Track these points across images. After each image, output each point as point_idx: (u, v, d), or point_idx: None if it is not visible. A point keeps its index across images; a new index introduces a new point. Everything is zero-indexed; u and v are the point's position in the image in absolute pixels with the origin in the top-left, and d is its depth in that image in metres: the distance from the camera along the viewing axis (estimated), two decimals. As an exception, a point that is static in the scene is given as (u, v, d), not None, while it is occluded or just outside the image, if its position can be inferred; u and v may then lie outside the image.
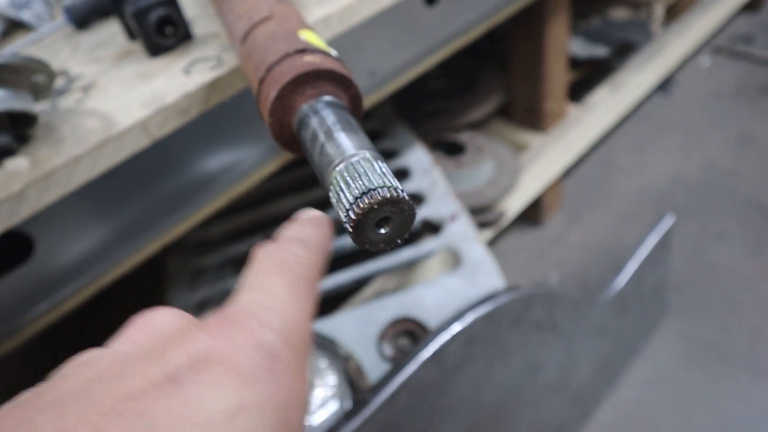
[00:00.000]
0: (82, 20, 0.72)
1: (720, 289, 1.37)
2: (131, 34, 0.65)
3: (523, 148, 1.42)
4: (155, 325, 0.23)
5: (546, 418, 1.05)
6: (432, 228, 1.08)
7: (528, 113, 1.43)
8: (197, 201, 0.76)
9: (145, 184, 0.72)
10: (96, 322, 1.32)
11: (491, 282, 0.94)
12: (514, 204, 1.30)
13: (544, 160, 1.37)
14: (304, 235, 0.29)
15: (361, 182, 0.30)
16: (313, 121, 0.36)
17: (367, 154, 0.32)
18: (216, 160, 0.77)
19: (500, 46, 1.56)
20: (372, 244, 0.31)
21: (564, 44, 1.34)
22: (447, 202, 1.08)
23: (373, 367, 0.86)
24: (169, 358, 0.20)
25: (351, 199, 0.30)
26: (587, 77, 1.71)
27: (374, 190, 0.29)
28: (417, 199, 1.12)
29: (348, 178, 0.31)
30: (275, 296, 0.24)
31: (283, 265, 0.26)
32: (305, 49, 0.40)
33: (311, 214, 0.32)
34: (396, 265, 1.01)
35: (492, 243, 1.53)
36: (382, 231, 0.31)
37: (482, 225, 1.23)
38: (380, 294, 1.10)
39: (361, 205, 0.29)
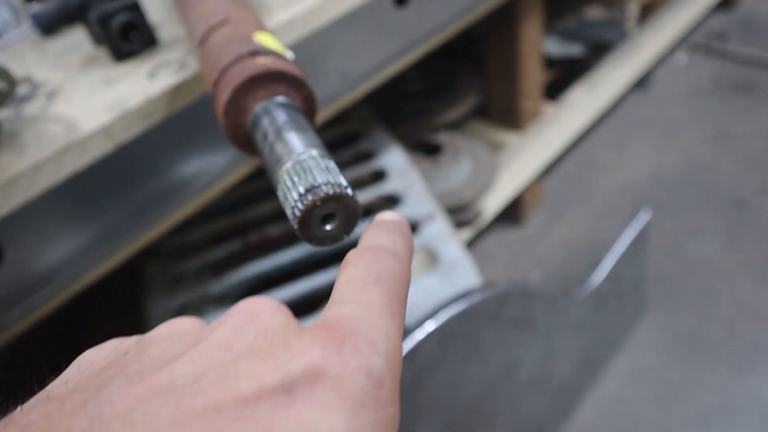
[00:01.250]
0: (48, 27, 0.72)
1: (698, 283, 1.39)
2: (97, 40, 0.65)
3: (500, 148, 1.43)
4: (264, 320, 0.22)
5: (526, 415, 1.05)
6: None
7: (505, 112, 1.44)
8: (170, 205, 0.76)
9: (116, 188, 0.72)
10: (75, 330, 1.32)
11: (468, 281, 0.95)
12: (492, 203, 1.31)
13: (522, 159, 1.38)
14: (395, 245, 0.28)
15: (305, 179, 0.31)
16: (265, 122, 0.37)
17: (314, 152, 0.33)
18: (188, 164, 0.77)
19: (477, 46, 1.58)
20: (318, 240, 0.32)
21: (538, 43, 1.36)
22: (423, 203, 1.09)
23: (351, 368, 0.86)
24: (284, 365, 0.20)
25: (296, 196, 0.30)
26: (563, 76, 1.72)
27: (318, 186, 0.30)
28: (394, 200, 1.13)
29: (294, 176, 0.31)
30: (376, 313, 0.23)
31: (380, 278, 0.25)
32: (258, 51, 0.40)
33: (394, 217, 0.30)
34: (374, 265, 1.02)
35: (473, 242, 1.53)
36: (328, 227, 0.31)
37: (460, 224, 1.24)
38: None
39: (305, 202, 0.30)
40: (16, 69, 0.66)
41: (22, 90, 0.61)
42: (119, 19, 0.60)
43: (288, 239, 1.14)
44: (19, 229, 0.65)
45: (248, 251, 1.13)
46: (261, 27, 0.47)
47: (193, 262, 1.11)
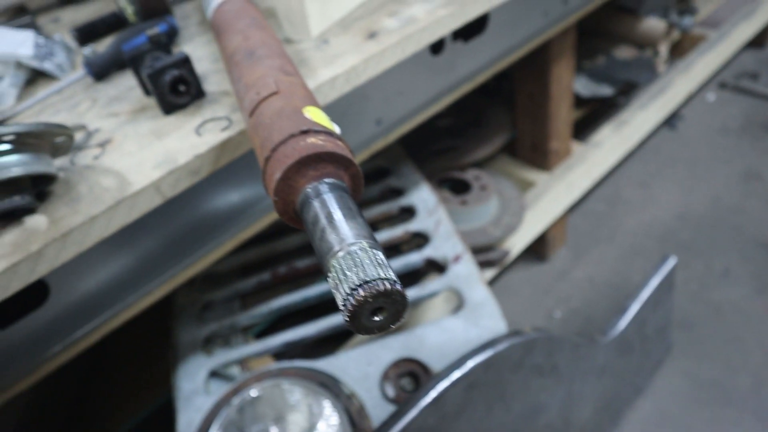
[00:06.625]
0: (100, 73, 0.76)
1: (725, 328, 1.37)
2: (146, 91, 0.68)
3: (528, 186, 1.44)
4: None
5: (547, 460, 1.05)
6: (437, 267, 1.10)
7: (533, 152, 1.45)
8: (209, 246, 0.79)
9: (158, 228, 0.74)
10: (105, 354, 1.35)
11: (493, 324, 0.96)
12: (518, 242, 1.32)
13: (549, 198, 1.39)
14: None
15: (357, 273, 0.32)
16: (315, 204, 0.38)
17: (364, 243, 0.34)
18: (229, 205, 0.79)
19: (507, 82, 1.59)
20: (366, 330, 0.33)
21: (569, 85, 1.37)
22: (451, 242, 1.10)
23: (375, 407, 0.87)
24: None
25: (348, 290, 0.32)
26: (592, 115, 1.73)
27: (369, 282, 0.32)
28: (422, 238, 1.14)
29: (345, 268, 0.33)
30: None
31: None
32: (309, 130, 0.42)
33: None
34: (400, 304, 1.03)
35: (497, 277, 1.54)
36: (377, 318, 0.33)
37: (486, 264, 1.24)
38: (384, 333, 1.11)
39: (358, 298, 0.31)
40: (70, 114, 0.70)
41: (76, 137, 0.64)
42: (170, 75, 0.63)
43: (315, 273, 1.16)
44: (64, 269, 0.67)
45: (276, 283, 1.16)
46: (309, 98, 0.49)
47: (222, 291, 1.13)
